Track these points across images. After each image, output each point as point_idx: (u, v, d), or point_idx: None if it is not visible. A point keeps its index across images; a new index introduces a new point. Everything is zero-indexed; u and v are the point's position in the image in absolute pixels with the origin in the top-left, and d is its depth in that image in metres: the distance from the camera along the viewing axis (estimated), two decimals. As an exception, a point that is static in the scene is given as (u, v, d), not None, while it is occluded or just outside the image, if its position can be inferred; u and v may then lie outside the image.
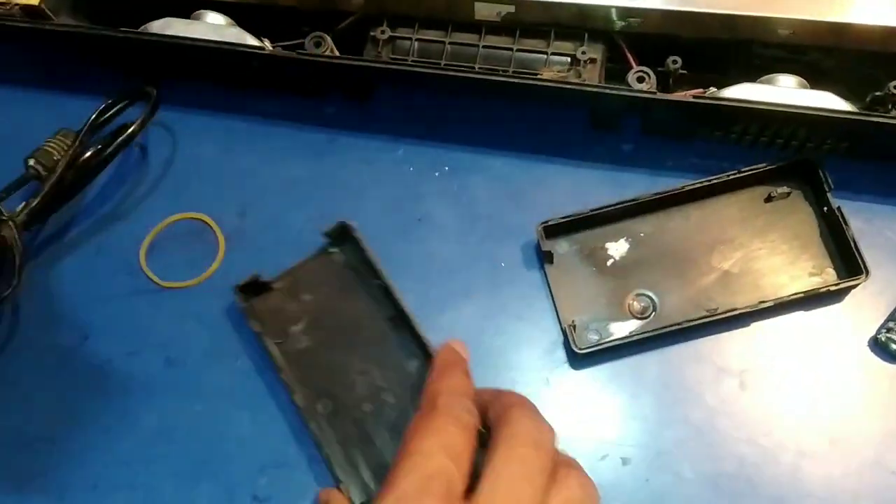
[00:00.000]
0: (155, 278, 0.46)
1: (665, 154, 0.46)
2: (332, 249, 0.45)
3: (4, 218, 0.43)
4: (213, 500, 0.42)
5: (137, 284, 0.46)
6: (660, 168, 0.46)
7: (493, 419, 0.34)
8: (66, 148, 0.45)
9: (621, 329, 0.43)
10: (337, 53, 0.45)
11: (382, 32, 0.45)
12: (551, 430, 0.34)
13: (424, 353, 0.42)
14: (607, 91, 0.41)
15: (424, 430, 0.33)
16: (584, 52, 0.43)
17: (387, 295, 0.43)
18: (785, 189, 0.44)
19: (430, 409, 0.34)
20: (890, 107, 0.42)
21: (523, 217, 0.45)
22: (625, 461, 0.41)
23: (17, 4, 0.47)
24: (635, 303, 0.43)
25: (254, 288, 0.44)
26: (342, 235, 0.44)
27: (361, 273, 0.44)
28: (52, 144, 0.46)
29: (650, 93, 0.41)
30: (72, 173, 0.45)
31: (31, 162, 0.45)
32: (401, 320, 0.42)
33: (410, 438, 0.33)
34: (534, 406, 0.35)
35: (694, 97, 0.41)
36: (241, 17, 0.47)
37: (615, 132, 0.47)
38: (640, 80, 0.41)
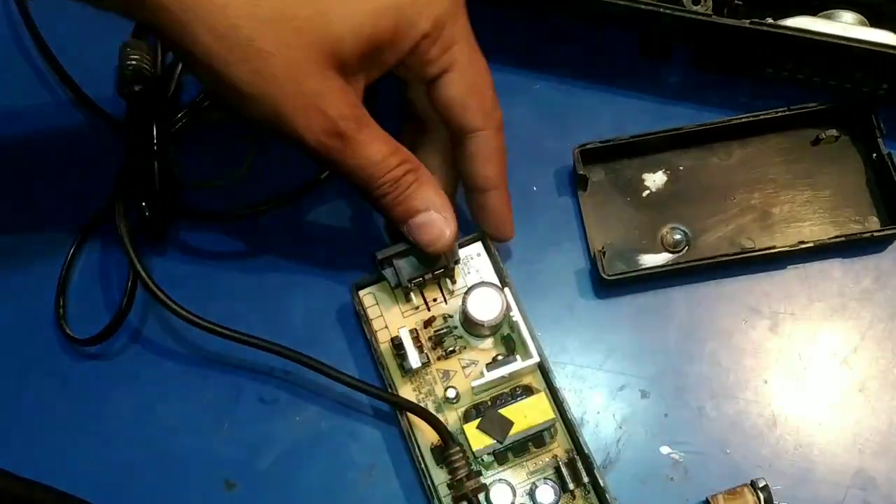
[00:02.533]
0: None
1: (713, 90, 0.44)
2: None
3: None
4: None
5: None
6: (706, 104, 0.44)
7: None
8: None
9: (652, 261, 0.41)
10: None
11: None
12: None
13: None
14: (661, 9, 0.40)
15: None
16: (638, -26, 0.42)
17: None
18: (833, 132, 0.42)
19: None
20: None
21: (560, 143, 0.44)
22: (644, 394, 0.40)
23: None
24: (668, 236, 0.42)
25: None
26: None
27: None
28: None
29: (706, 15, 0.39)
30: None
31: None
32: None
33: None
34: None
35: (751, 23, 0.39)
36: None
37: (664, 63, 0.45)
38: (696, 1, 0.40)
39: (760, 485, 0.37)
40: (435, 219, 0.36)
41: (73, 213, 0.44)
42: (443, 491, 0.37)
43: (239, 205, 0.43)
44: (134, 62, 0.43)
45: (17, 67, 0.48)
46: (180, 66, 0.43)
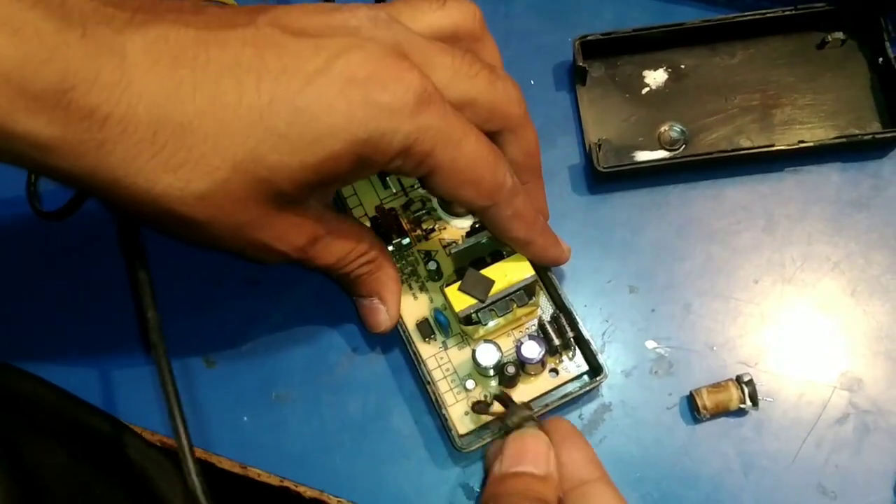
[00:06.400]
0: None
1: (719, -11, 0.43)
2: None
3: None
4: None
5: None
6: (713, 3, 0.43)
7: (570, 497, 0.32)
8: None
9: (649, 158, 0.41)
10: None
11: None
12: None
13: None
14: None
15: None
16: None
17: None
18: (840, 35, 0.41)
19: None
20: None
21: (560, 37, 0.43)
22: (632, 289, 0.39)
23: None
24: (666, 133, 0.41)
25: None
26: None
27: None
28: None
29: None
30: None
31: None
32: None
33: None
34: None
35: (761, -89, 0.38)
36: None
37: (669, -41, 0.44)
38: None
39: (745, 379, 0.36)
40: (378, 308, 0.36)
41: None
42: (431, 364, 0.37)
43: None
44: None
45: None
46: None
